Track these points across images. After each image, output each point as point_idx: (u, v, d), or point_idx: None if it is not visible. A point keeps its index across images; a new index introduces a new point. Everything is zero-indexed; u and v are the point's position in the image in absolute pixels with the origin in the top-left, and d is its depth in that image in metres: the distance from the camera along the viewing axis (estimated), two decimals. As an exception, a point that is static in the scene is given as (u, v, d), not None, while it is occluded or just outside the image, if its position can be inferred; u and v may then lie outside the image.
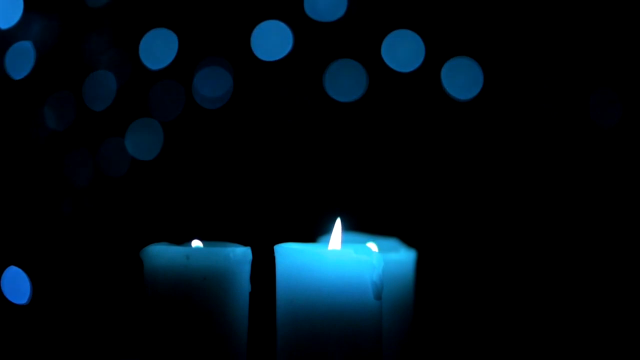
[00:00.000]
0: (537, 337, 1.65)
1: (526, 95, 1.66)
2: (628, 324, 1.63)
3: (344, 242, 1.02)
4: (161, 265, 0.99)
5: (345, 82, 1.69)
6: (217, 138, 1.74)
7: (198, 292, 0.98)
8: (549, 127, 1.66)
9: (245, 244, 1.03)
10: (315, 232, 1.18)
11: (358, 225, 1.26)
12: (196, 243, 1.04)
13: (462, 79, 1.66)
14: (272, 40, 1.70)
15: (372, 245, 1.09)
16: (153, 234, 1.45)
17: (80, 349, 1.68)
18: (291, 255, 0.98)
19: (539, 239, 1.66)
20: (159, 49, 1.72)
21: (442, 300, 1.67)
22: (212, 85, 1.72)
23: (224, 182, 1.74)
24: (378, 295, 0.97)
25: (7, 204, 1.71)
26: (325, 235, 1.12)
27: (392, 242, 1.19)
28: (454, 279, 1.68)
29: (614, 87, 1.63)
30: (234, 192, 1.74)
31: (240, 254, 1.01)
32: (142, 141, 1.73)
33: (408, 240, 1.21)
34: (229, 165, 1.74)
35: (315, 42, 1.69)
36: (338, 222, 1.03)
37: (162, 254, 0.99)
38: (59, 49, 1.72)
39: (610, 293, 1.64)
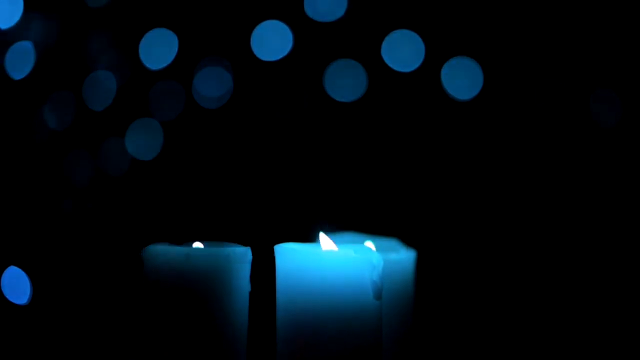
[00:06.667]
0: (537, 337, 1.65)
1: (526, 95, 1.66)
2: (628, 324, 1.63)
3: (344, 242, 1.02)
4: (162, 265, 0.99)
5: (345, 82, 1.69)
6: (217, 138, 1.74)
7: (198, 292, 0.98)
8: (549, 127, 1.66)
9: (245, 244, 1.03)
10: (314, 232, 1.18)
11: (358, 225, 1.26)
12: (196, 244, 1.04)
13: (462, 79, 1.66)
14: (272, 40, 1.70)
15: (370, 244, 1.09)
16: (153, 234, 1.45)
17: (80, 349, 1.68)
18: (291, 255, 0.98)
19: (539, 238, 1.66)
20: (159, 49, 1.72)
21: (442, 300, 1.67)
22: (212, 85, 1.72)
23: (224, 182, 1.74)
24: (378, 295, 0.97)
25: (7, 203, 1.71)
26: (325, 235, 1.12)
27: (392, 242, 1.19)
28: (454, 279, 1.68)
29: (614, 87, 1.63)
30: (234, 193, 1.74)
31: (240, 254, 1.01)
32: (142, 141, 1.73)
33: (408, 240, 1.21)
34: (229, 166, 1.74)
35: (315, 42, 1.69)
36: (323, 236, 1.02)
37: (162, 253, 0.99)
38: (59, 49, 1.72)
39: (610, 293, 1.64)
